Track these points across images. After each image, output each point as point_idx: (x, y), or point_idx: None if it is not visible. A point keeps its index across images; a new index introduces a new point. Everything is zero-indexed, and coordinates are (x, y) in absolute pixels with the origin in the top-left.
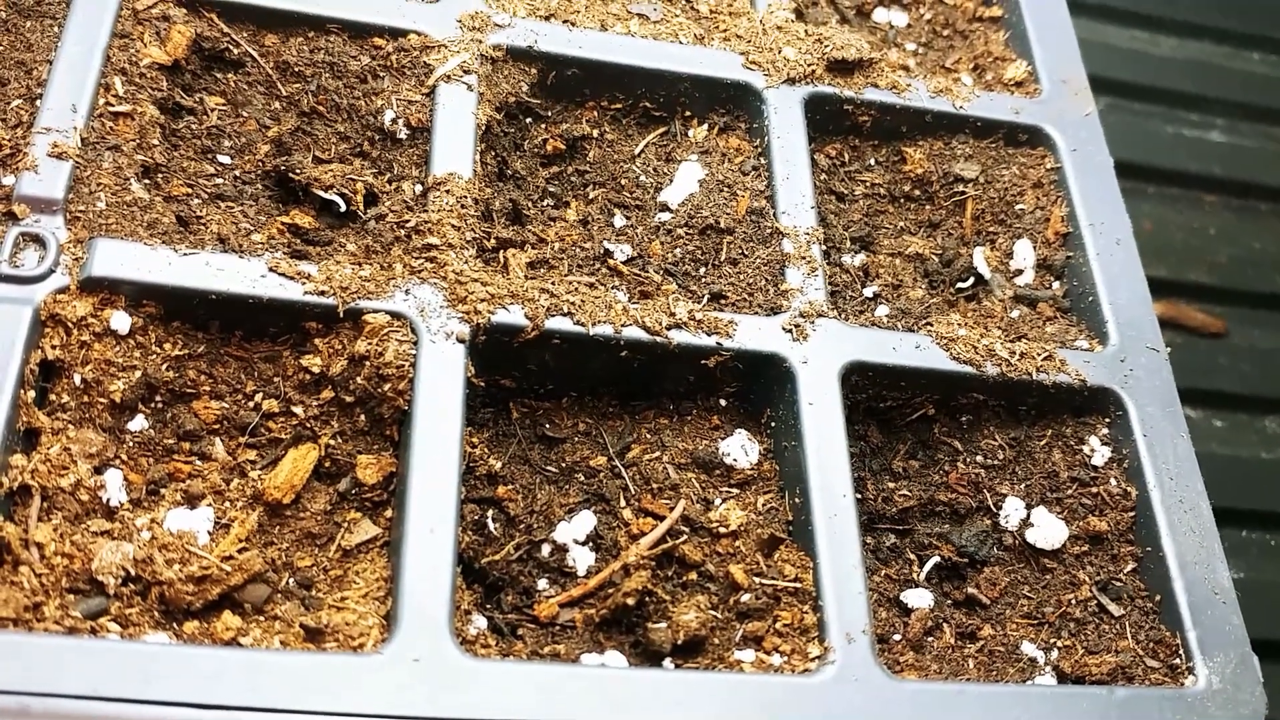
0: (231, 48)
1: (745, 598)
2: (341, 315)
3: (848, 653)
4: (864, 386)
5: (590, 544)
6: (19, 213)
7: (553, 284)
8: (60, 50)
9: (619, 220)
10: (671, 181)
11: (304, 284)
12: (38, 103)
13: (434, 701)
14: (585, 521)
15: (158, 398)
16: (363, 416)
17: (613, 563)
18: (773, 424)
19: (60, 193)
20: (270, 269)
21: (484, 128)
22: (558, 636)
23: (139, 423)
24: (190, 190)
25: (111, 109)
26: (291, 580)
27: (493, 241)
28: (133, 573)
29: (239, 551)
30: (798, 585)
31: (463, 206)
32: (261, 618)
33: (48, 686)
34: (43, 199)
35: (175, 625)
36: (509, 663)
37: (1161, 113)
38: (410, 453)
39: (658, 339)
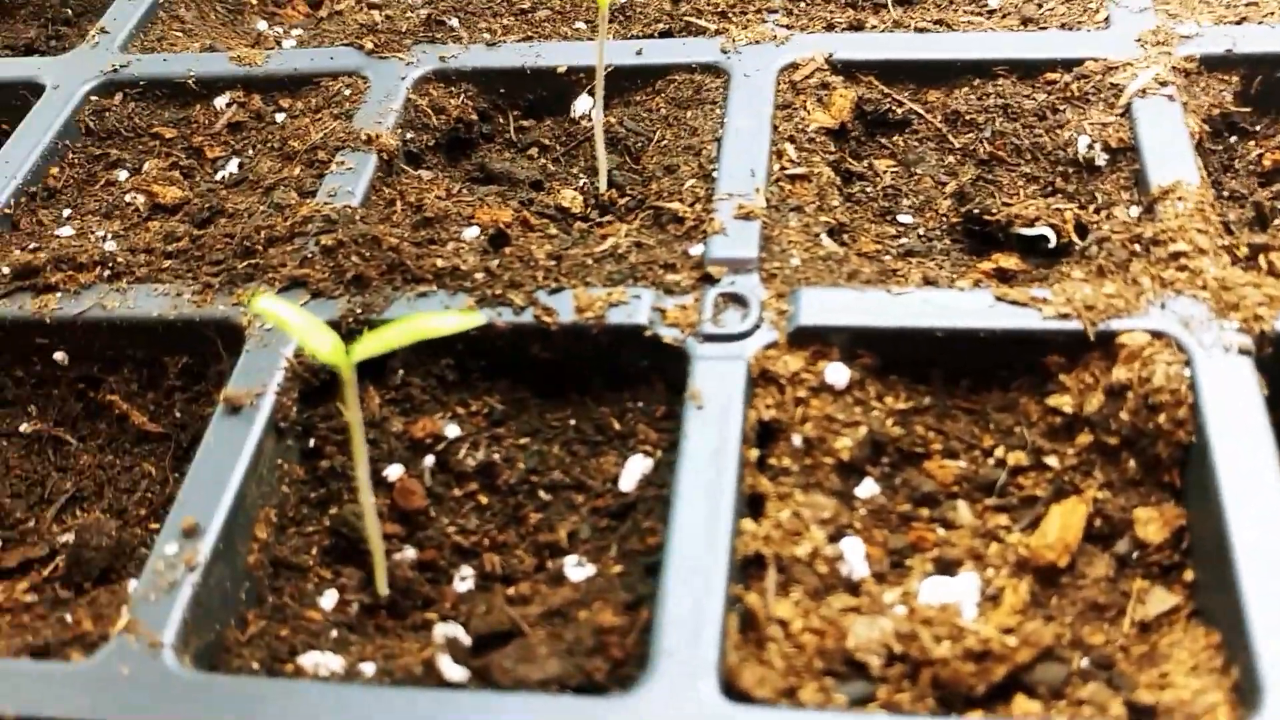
0: (895, 108)
1: None
2: (1091, 340)
3: None
4: None
5: None
6: (715, 274)
7: None
8: (727, 126)
9: None
10: None
11: (1041, 308)
12: (713, 178)
13: None
14: None
15: (884, 458)
16: (1132, 461)
17: None
18: None
19: (753, 251)
20: (998, 298)
21: (1195, 138)
22: None
23: (868, 487)
24: (880, 248)
25: (787, 172)
26: (1085, 659)
27: (1244, 249)
28: (897, 651)
29: (1017, 625)
30: None
31: (1202, 210)
32: (1062, 702)
33: None
34: (736, 259)
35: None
36: None
37: None
38: (1219, 499)
39: None
